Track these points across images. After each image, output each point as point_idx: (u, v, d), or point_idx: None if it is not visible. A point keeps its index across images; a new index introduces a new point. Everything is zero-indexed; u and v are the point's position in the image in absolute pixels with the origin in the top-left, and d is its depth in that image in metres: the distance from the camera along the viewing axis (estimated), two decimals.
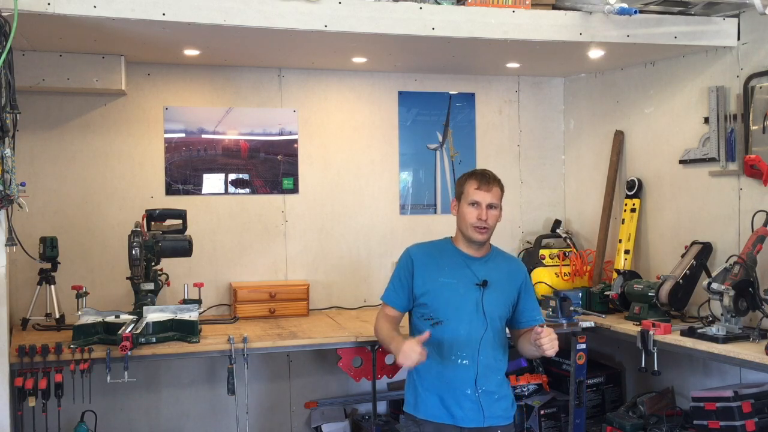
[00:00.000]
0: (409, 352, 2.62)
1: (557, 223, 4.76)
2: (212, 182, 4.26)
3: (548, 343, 2.66)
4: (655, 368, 3.39)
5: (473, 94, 4.72)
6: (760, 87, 3.56)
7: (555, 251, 4.57)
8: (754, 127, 3.60)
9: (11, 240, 2.87)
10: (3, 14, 2.69)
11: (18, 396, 3.02)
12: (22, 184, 2.89)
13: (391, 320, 2.97)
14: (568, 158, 4.89)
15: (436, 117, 4.66)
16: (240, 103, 4.29)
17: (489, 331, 2.85)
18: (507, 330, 3.00)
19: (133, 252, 3.33)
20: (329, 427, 4.17)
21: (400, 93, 4.59)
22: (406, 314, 3.02)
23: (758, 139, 3.57)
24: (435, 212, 4.57)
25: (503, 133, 4.79)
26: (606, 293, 4.06)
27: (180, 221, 3.74)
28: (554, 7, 3.51)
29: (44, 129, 3.95)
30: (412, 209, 4.57)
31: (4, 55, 2.64)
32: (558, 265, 4.50)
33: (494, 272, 2.90)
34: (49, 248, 3.66)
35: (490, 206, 2.84)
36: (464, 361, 2.82)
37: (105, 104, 4.06)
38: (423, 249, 3.00)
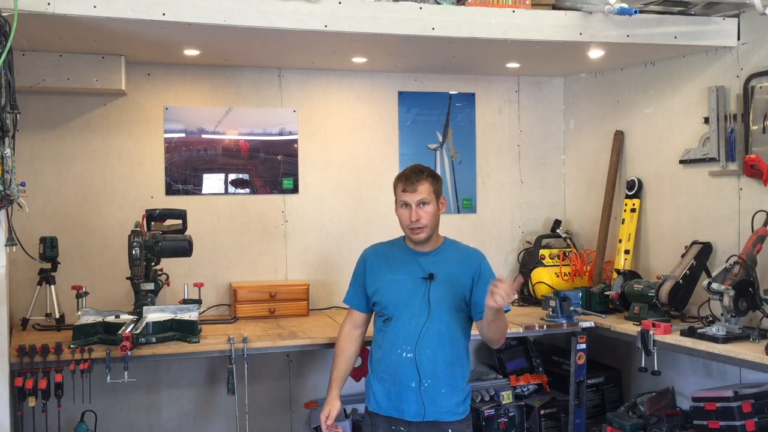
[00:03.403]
0: (322, 416, 3.02)
1: (557, 223, 4.76)
2: (212, 182, 4.26)
3: (502, 292, 2.54)
4: (655, 368, 3.40)
5: (473, 94, 4.72)
6: (760, 87, 3.56)
7: (555, 251, 4.57)
8: (754, 127, 3.60)
9: (11, 240, 2.87)
10: (3, 14, 2.70)
11: (18, 396, 3.02)
12: (22, 184, 2.89)
13: (354, 325, 3.13)
14: (568, 158, 4.89)
15: (436, 117, 4.66)
16: (240, 103, 4.29)
17: (432, 323, 2.86)
18: (474, 324, 2.98)
19: (133, 252, 3.33)
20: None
21: (400, 93, 4.59)
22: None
23: (758, 139, 3.58)
24: None
25: (503, 133, 4.79)
26: (606, 293, 4.06)
27: (180, 221, 3.74)
28: (554, 7, 3.52)
29: (44, 129, 3.95)
30: None
31: (4, 55, 2.64)
32: (558, 265, 4.50)
33: (443, 264, 2.93)
34: (49, 248, 3.66)
35: (421, 203, 2.88)
36: (408, 355, 2.87)
37: (105, 104, 4.06)
38: (375, 249, 3.11)
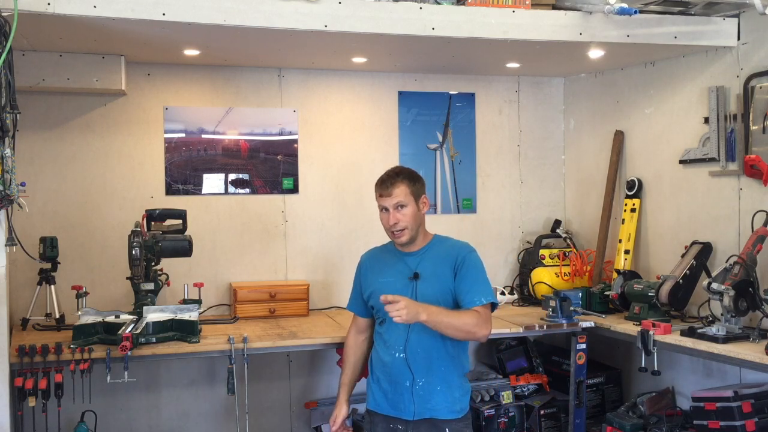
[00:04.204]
0: (330, 420, 3.10)
1: (557, 223, 4.76)
2: (212, 182, 4.26)
3: (393, 311, 2.65)
4: (655, 368, 3.40)
5: (473, 94, 4.72)
6: (760, 87, 3.56)
7: (555, 251, 4.57)
8: (754, 127, 3.60)
9: (11, 240, 2.87)
10: (3, 14, 2.70)
11: (18, 396, 3.02)
12: (22, 184, 2.89)
13: (358, 330, 3.16)
14: (568, 158, 4.89)
15: (436, 117, 4.66)
16: (240, 103, 4.29)
17: (418, 322, 2.84)
18: None
19: (133, 252, 3.33)
20: (329, 428, 4.17)
21: (400, 93, 4.59)
22: None
23: (758, 139, 3.58)
24: (435, 212, 4.56)
25: (503, 133, 4.79)
26: (606, 293, 4.06)
27: (180, 221, 3.74)
28: (554, 7, 3.52)
29: (44, 129, 3.95)
30: None
31: (4, 55, 2.64)
32: (558, 265, 4.50)
33: (429, 262, 2.95)
34: (49, 248, 3.66)
35: (398, 206, 2.89)
36: (400, 355, 2.90)
37: (105, 104, 4.06)
38: (370, 254, 3.16)
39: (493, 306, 2.94)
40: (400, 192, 2.89)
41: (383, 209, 2.93)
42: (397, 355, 2.90)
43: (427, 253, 2.99)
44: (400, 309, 2.64)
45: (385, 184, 2.92)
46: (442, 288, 2.91)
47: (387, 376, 2.94)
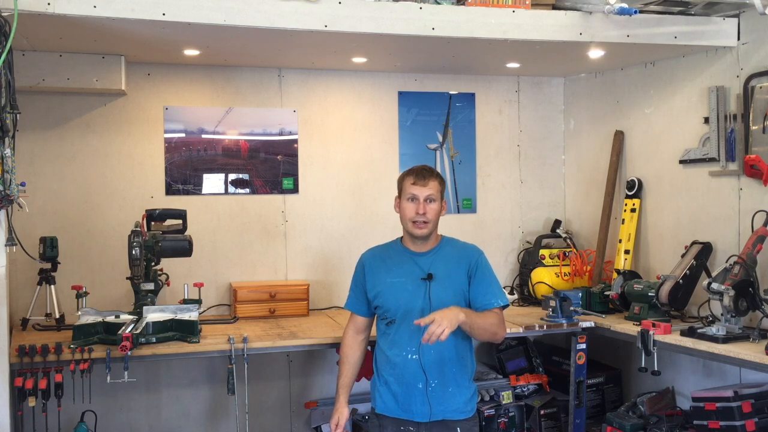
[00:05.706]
0: (332, 423, 3.02)
1: (557, 223, 4.76)
2: (212, 182, 4.26)
3: (435, 331, 2.58)
4: (655, 368, 3.39)
5: (473, 94, 4.72)
6: (760, 87, 3.56)
7: (555, 251, 4.57)
8: (754, 127, 3.60)
9: (11, 240, 2.87)
10: (3, 14, 2.70)
11: (18, 396, 3.02)
12: (22, 184, 2.89)
13: (357, 330, 3.12)
14: (568, 158, 4.89)
15: (436, 117, 4.66)
16: (240, 103, 4.29)
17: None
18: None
19: (133, 252, 3.33)
20: (329, 427, 4.17)
21: (400, 93, 4.59)
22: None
23: (758, 139, 3.57)
24: None
25: (503, 133, 4.79)
26: (606, 293, 4.06)
27: (180, 221, 3.74)
28: (554, 7, 3.52)
29: (44, 129, 3.95)
30: None
31: (4, 55, 2.64)
32: (558, 265, 4.50)
33: (441, 263, 2.95)
34: (49, 248, 3.66)
35: (428, 200, 2.91)
36: (413, 356, 2.89)
37: (105, 104, 4.06)
38: (373, 252, 3.12)
39: (503, 307, 2.97)
40: (434, 186, 2.93)
41: (412, 198, 2.92)
42: (409, 356, 2.89)
43: (439, 254, 2.98)
44: (443, 323, 2.58)
45: (422, 174, 2.94)
46: (455, 290, 2.91)
47: (397, 378, 2.92)
